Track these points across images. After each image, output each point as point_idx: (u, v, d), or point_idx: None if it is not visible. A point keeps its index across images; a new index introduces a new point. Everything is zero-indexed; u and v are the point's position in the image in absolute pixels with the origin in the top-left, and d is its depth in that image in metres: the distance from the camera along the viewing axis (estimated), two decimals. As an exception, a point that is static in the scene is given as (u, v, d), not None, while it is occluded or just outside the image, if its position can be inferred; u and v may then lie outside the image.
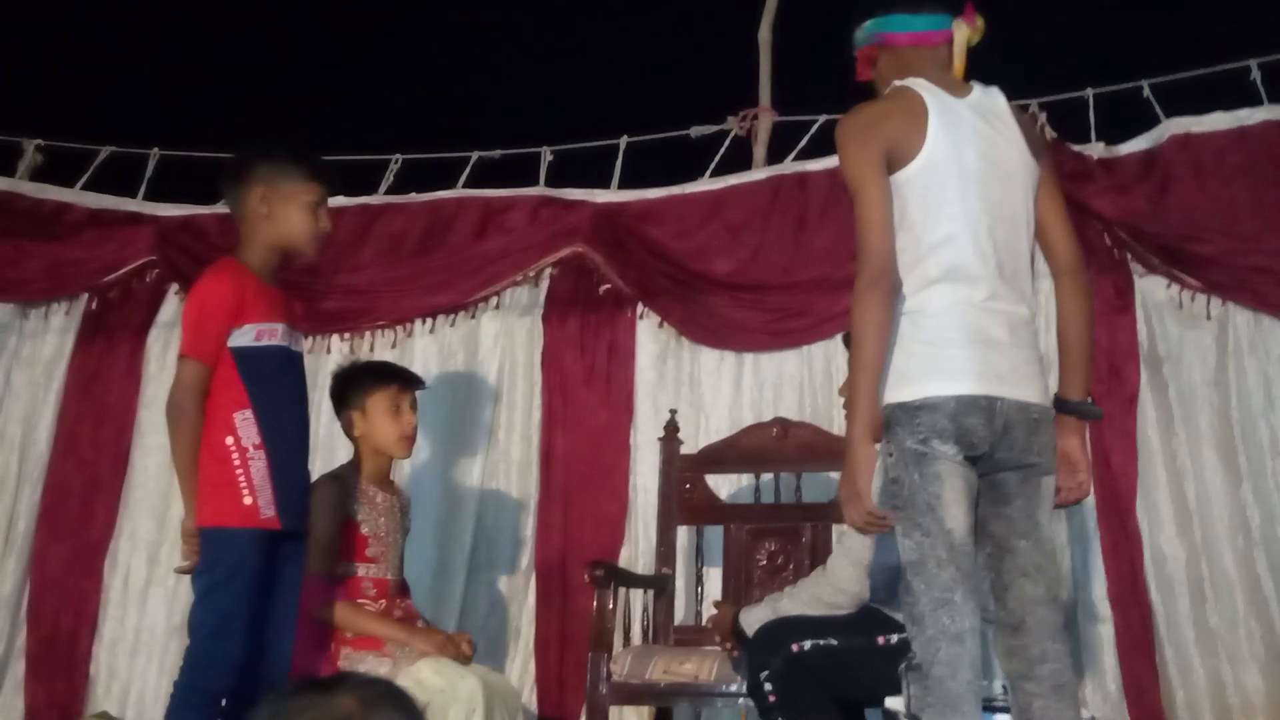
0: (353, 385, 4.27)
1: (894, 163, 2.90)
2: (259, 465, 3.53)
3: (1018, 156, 3.01)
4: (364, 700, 1.91)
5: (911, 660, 2.83)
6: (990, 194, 2.93)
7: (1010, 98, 5.13)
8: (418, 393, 4.34)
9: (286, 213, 3.68)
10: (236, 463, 3.51)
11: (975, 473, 2.87)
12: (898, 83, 2.99)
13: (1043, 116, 5.11)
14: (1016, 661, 2.92)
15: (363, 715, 1.90)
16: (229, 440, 3.52)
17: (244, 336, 3.57)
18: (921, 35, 3.05)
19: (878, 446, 2.88)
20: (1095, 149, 5.06)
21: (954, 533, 2.81)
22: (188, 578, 3.63)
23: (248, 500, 3.51)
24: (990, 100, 3.04)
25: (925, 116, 2.91)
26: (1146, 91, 5.10)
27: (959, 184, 2.90)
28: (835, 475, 4.62)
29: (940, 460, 2.80)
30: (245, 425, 3.54)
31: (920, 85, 2.96)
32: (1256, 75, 4.97)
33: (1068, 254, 3.09)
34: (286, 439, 3.63)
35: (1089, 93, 5.18)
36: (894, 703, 3.18)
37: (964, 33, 3.03)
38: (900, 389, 2.85)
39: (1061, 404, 3.05)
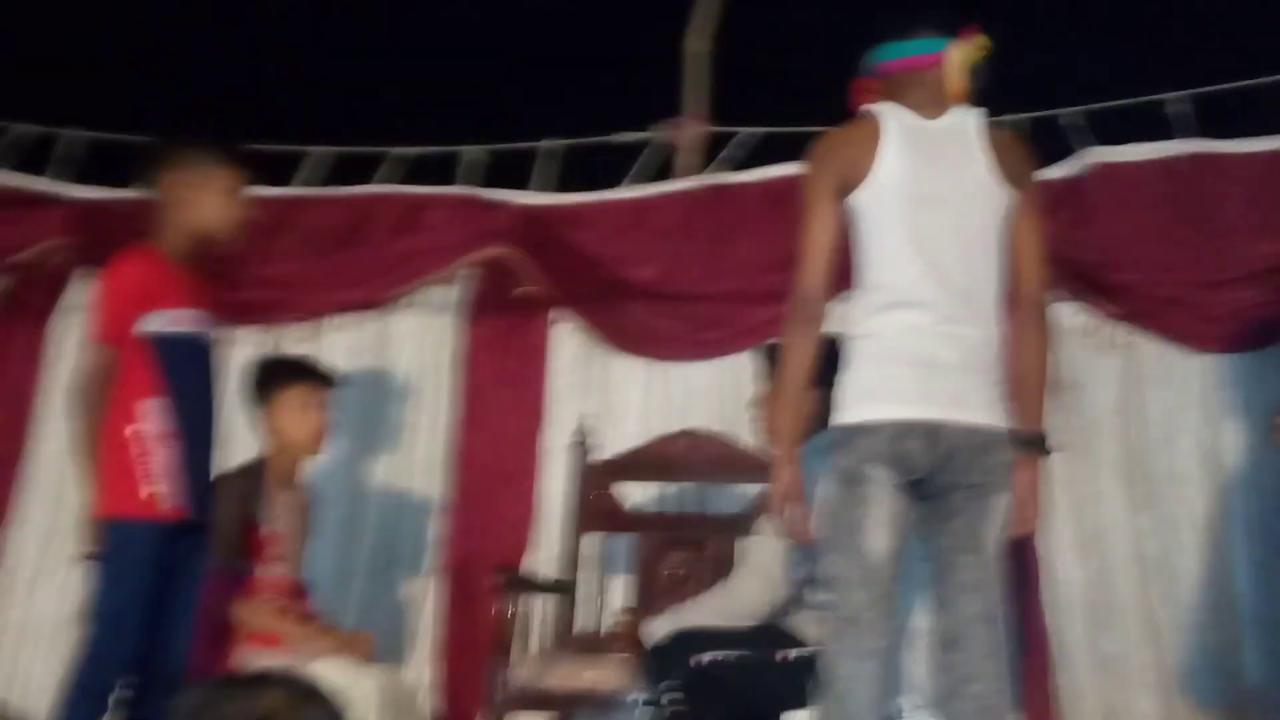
0: (264, 381, 4.23)
1: (847, 188, 2.95)
2: (163, 455, 3.48)
3: (981, 180, 3.00)
4: (290, 697, 1.93)
5: (819, 676, 2.88)
6: (946, 218, 2.95)
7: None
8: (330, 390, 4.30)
9: (201, 198, 3.65)
10: (136, 452, 3.46)
11: (909, 497, 2.91)
12: (865, 107, 3.03)
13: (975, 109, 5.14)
14: (947, 678, 2.94)
15: (289, 712, 1.91)
16: (129, 430, 3.47)
17: (154, 323, 3.52)
18: (911, 60, 3.07)
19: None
20: (1018, 172, 5.09)
21: (870, 555, 2.85)
22: (82, 567, 3.58)
23: (150, 490, 3.46)
24: (962, 123, 3.04)
25: (878, 141, 2.95)
26: (1071, 119, 5.14)
27: (911, 208, 2.93)
28: (743, 487, 4.65)
29: (871, 484, 2.86)
30: (150, 414, 3.49)
31: (885, 110, 3.00)
32: (1181, 108, 5.02)
33: (1032, 287, 3.09)
34: (193, 429, 3.58)
35: (1017, 117, 5.21)
36: (792, 717, 3.19)
37: (962, 53, 3.05)
38: (842, 411, 2.92)
39: (1019, 438, 3.03)
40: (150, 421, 3.49)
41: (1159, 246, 4.89)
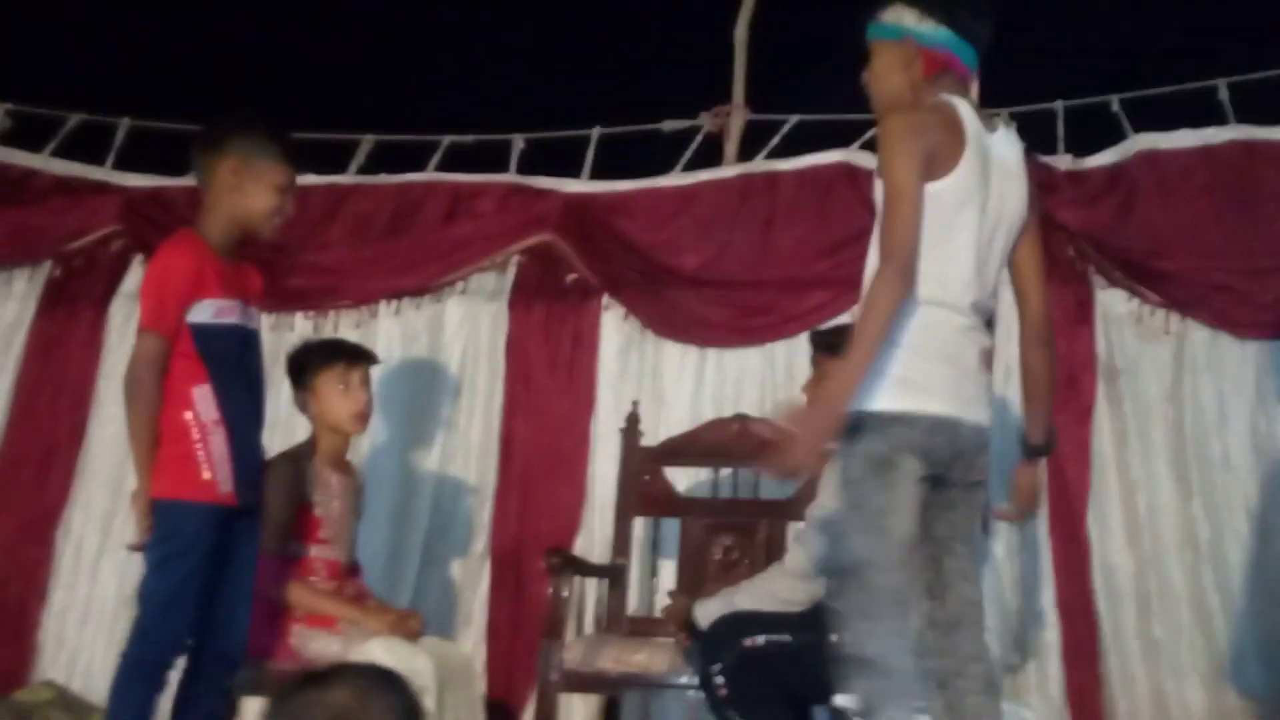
0: (303, 365, 4.26)
1: (929, 173, 2.88)
2: (217, 440, 3.53)
3: (1017, 204, 3.05)
4: (359, 691, 1.95)
5: (859, 659, 2.82)
6: (991, 231, 2.98)
7: (981, 106, 5.21)
8: (376, 371, 4.34)
9: (255, 190, 3.65)
10: (195, 437, 3.51)
11: (926, 489, 2.92)
12: (945, 96, 2.97)
13: (1012, 127, 5.14)
14: (950, 660, 2.98)
15: (360, 707, 1.94)
16: (188, 415, 3.51)
17: (201, 313, 3.55)
18: (963, 67, 3.05)
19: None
20: (1063, 161, 5.11)
21: (905, 540, 2.86)
22: (136, 553, 3.63)
23: (205, 475, 3.50)
24: (1012, 145, 3.09)
25: (964, 140, 2.92)
26: (1115, 106, 5.14)
27: (974, 214, 2.93)
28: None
29: (900, 471, 2.85)
30: (204, 400, 3.53)
31: (963, 108, 2.97)
32: (1224, 95, 5.02)
33: (1039, 309, 3.16)
34: (243, 416, 3.63)
35: (1059, 105, 5.22)
36: (844, 700, 3.21)
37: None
38: (880, 395, 2.86)
39: (1026, 448, 3.23)
40: (204, 407, 3.53)
41: (1205, 233, 4.88)
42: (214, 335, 3.57)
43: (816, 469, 2.95)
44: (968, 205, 2.92)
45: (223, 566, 3.58)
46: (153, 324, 3.53)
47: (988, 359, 3.04)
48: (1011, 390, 4.94)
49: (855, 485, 2.89)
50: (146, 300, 3.58)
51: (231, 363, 3.62)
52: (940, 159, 2.89)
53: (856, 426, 2.86)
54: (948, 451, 2.91)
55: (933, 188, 2.88)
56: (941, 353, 2.91)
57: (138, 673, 3.49)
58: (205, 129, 3.79)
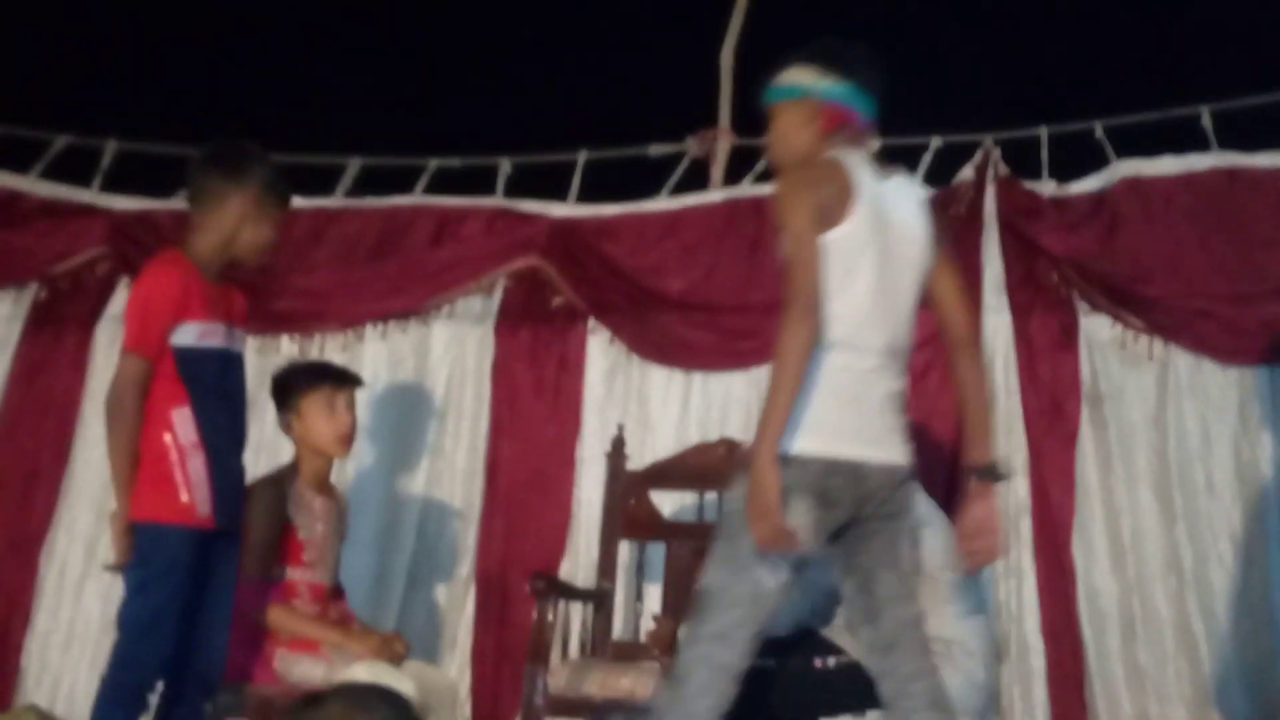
0: (288, 387, 4.26)
1: (823, 224, 2.99)
2: (196, 463, 3.53)
3: (919, 247, 3.16)
4: (354, 705, 2.00)
5: (674, 669, 3.00)
6: (892, 276, 3.08)
7: (964, 132, 5.23)
8: (362, 394, 4.34)
9: (264, 223, 3.70)
10: (174, 459, 3.51)
11: (821, 535, 2.99)
12: (832, 154, 3.09)
13: (996, 152, 5.18)
14: (891, 681, 3.07)
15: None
16: (167, 437, 3.51)
17: (185, 335, 3.56)
18: (862, 120, 3.17)
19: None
20: (1046, 187, 5.13)
21: (762, 583, 2.95)
22: (116, 574, 3.62)
23: (184, 497, 3.50)
24: (908, 191, 3.22)
25: (852, 193, 3.02)
26: (1099, 132, 5.16)
27: (869, 262, 3.03)
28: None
29: (789, 515, 2.90)
30: (183, 423, 3.53)
31: (851, 162, 3.08)
32: (1207, 121, 5.04)
33: (964, 329, 3.24)
34: (223, 438, 3.63)
35: (1043, 130, 5.24)
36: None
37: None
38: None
39: (973, 470, 3.18)
40: (183, 430, 3.52)
41: (1188, 260, 4.90)
42: (196, 358, 3.57)
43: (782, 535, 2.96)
44: (864, 252, 3.03)
45: (201, 589, 3.57)
46: (136, 346, 3.54)
47: (897, 400, 3.11)
48: (996, 415, 4.98)
49: (733, 516, 2.98)
50: (130, 321, 3.59)
51: (212, 385, 3.61)
52: (834, 211, 3.00)
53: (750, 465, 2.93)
54: (849, 492, 2.99)
55: (829, 238, 2.99)
56: (843, 396, 3.00)
57: (118, 696, 3.48)
58: (220, 153, 3.77)
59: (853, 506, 3.02)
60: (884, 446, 3.06)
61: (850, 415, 3.00)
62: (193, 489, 3.51)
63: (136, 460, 3.50)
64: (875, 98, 3.19)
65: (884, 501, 3.08)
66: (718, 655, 2.96)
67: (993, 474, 3.18)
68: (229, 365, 3.70)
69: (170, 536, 3.48)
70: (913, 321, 3.18)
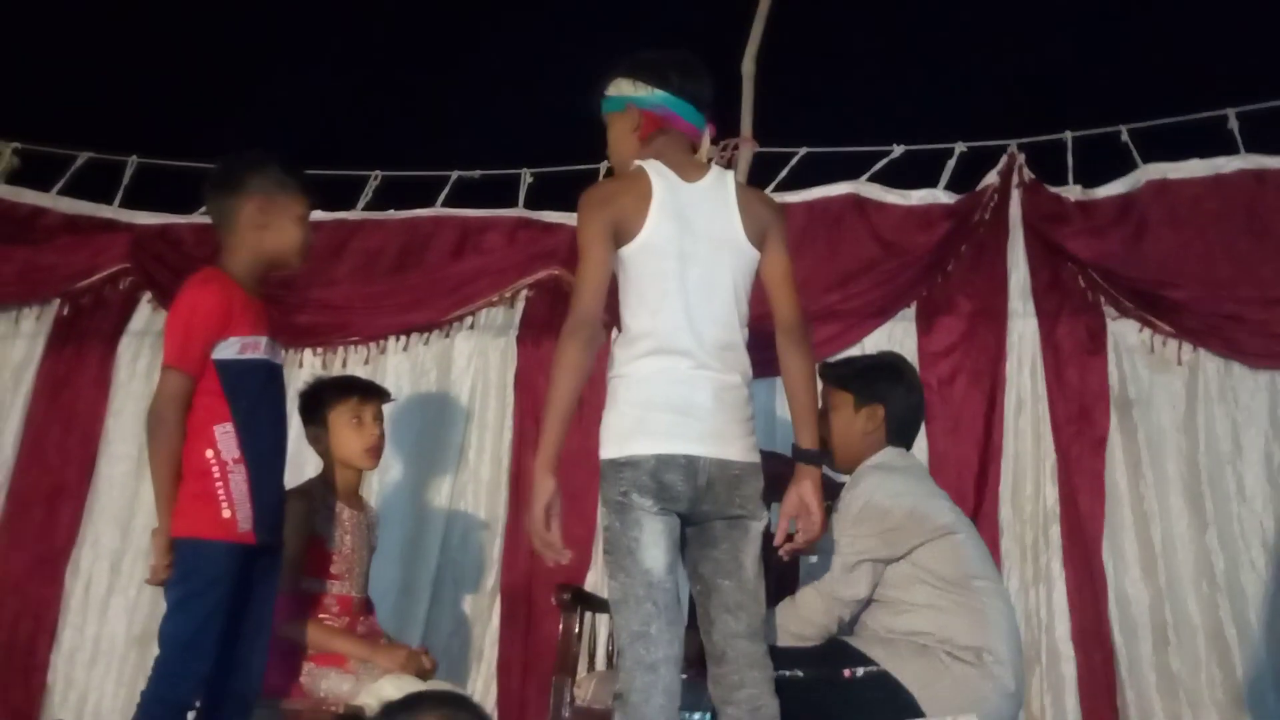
0: (316, 400, 4.28)
1: (621, 237, 3.21)
2: (238, 479, 3.52)
3: (733, 240, 3.29)
4: (446, 714, 2.08)
5: (617, 690, 3.10)
6: (704, 274, 3.22)
7: (990, 139, 5.20)
8: (387, 407, 4.34)
9: (282, 225, 3.70)
10: (216, 475, 3.50)
11: (677, 521, 3.17)
12: (638, 163, 3.29)
13: (1021, 157, 5.16)
14: (719, 688, 3.22)
15: None
16: (209, 453, 3.51)
17: (228, 349, 3.56)
18: (681, 123, 3.35)
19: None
20: (1072, 191, 5.10)
21: (651, 572, 3.10)
22: (154, 588, 3.62)
23: (225, 514, 3.50)
24: (719, 186, 3.33)
25: (650, 200, 3.21)
26: (1125, 136, 5.13)
27: (675, 264, 3.20)
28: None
29: (638, 510, 3.10)
30: (225, 438, 3.53)
31: (655, 169, 3.26)
32: (1234, 124, 5.01)
33: (788, 314, 3.37)
34: (265, 453, 3.63)
35: (1068, 135, 5.21)
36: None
37: (709, 145, 3.40)
38: (609, 446, 3.17)
39: (795, 452, 3.34)
40: (226, 446, 3.53)
41: (1216, 263, 4.87)
42: (240, 371, 3.58)
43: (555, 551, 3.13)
44: (664, 257, 3.20)
45: (243, 605, 3.56)
46: (177, 361, 3.54)
47: (731, 394, 3.22)
48: (1023, 420, 4.95)
49: (606, 531, 3.16)
50: (172, 337, 3.59)
51: (255, 398, 3.62)
52: (629, 222, 3.20)
53: (601, 478, 3.16)
54: (686, 487, 3.13)
55: (626, 250, 3.21)
56: (664, 398, 3.15)
57: (157, 713, 3.46)
58: (218, 172, 3.80)
59: (690, 501, 3.14)
60: (718, 442, 3.17)
61: (678, 416, 3.14)
62: (235, 505, 3.51)
63: (178, 475, 3.51)
64: (694, 101, 3.36)
65: (725, 500, 3.18)
66: (645, 654, 3.08)
67: (813, 458, 3.32)
68: (271, 377, 3.71)
69: (212, 552, 3.48)
70: (738, 313, 3.28)
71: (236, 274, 3.67)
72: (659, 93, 3.33)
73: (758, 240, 3.32)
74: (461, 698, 2.11)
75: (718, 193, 3.32)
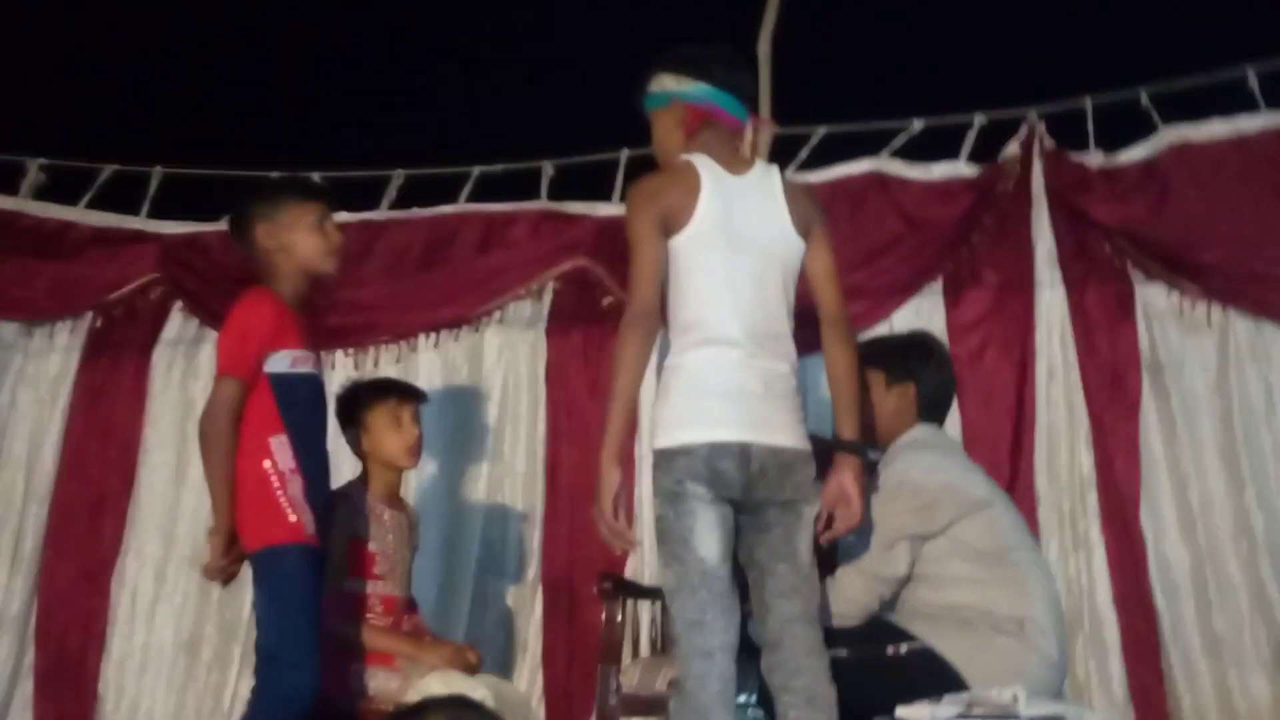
0: (354, 402, 4.30)
1: (670, 229, 3.24)
2: (295, 487, 3.57)
3: (779, 232, 3.33)
4: (450, 714, 2.13)
5: (673, 678, 3.16)
6: (752, 265, 3.26)
7: (1007, 107, 5.18)
8: (423, 408, 4.37)
9: (295, 238, 3.74)
10: (276, 484, 3.55)
11: (730, 509, 3.20)
12: (684, 157, 3.32)
13: (1041, 126, 5.15)
14: (776, 675, 3.25)
15: None
16: (266, 464, 3.56)
17: (280, 363, 3.62)
18: (726, 116, 3.38)
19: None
20: (1094, 158, 5.08)
21: (706, 560, 3.13)
22: (199, 594, 3.65)
23: (292, 518, 3.55)
24: (766, 179, 3.38)
25: (699, 192, 3.24)
26: (1144, 99, 5.11)
27: (724, 256, 3.24)
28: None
29: (692, 499, 3.13)
30: (281, 450, 3.58)
31: (702, 162, 3.29)
32: (1254, 82, 4.98)
33: (833, 308, 3.41)
34: (316, 463, 3.69)
35: (1087, 101, 5.19)
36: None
37: (756, 134, 3.52)
38: (661, 436, 3.20)
39: (836, 443, 3.36)
40: (281, 456, 3.57)
41: (1242, 223, 4.84)
42: (292, 383, 3.63)
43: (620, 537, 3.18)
44: (712, 249, 3.24)
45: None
46: (230, 369, 3.60)
47: (780, 382, 3.26)
48: (1055, 389, 4.95)
49: (659, 521, 3.19)
50: (225, 346, 3.65)
51: (306, 411, 3.68)
52: (678, 214, 3.23)
53: (654, 467, 3.19)
54: (739, 474, 3.16)
55: (675, 242, 3.24)
56: (716, 386, 3.19)
57: (274, 712, 3.48)
58: (233, 214, 3.88)
59: (744, 488, 3.17)
60: (769, 429, 3.21)
61: (729, 403, 3.18)
62: (298, 510, 3.55)
63: (233, 478, 3.56)
64: (737, 93, 3.39)
65: (777, 486, 3.22)
66: (701, 642, 3.10)
67: (855, 449, 3.34)
68: (318, 391, 3.78)
69: (286, 556, 3.53)
70: (786, 303, 3.32)
71: (283, 293, 3.73)
72: (703, 86, 3.36)
73: (803, 232, 3.35)
74: (468, 700, 2.16)
75: (764, 185, 3.36)
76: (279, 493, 3.54)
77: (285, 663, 3.48)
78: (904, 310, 5.11)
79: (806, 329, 3.42)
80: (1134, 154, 5.07)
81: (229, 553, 3.58)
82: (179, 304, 5.71)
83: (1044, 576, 3.70)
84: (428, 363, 5.51)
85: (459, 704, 2.15)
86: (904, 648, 3.55)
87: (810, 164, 5.41)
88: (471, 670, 4.07)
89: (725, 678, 3.12)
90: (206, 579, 3.75)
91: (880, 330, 4.96)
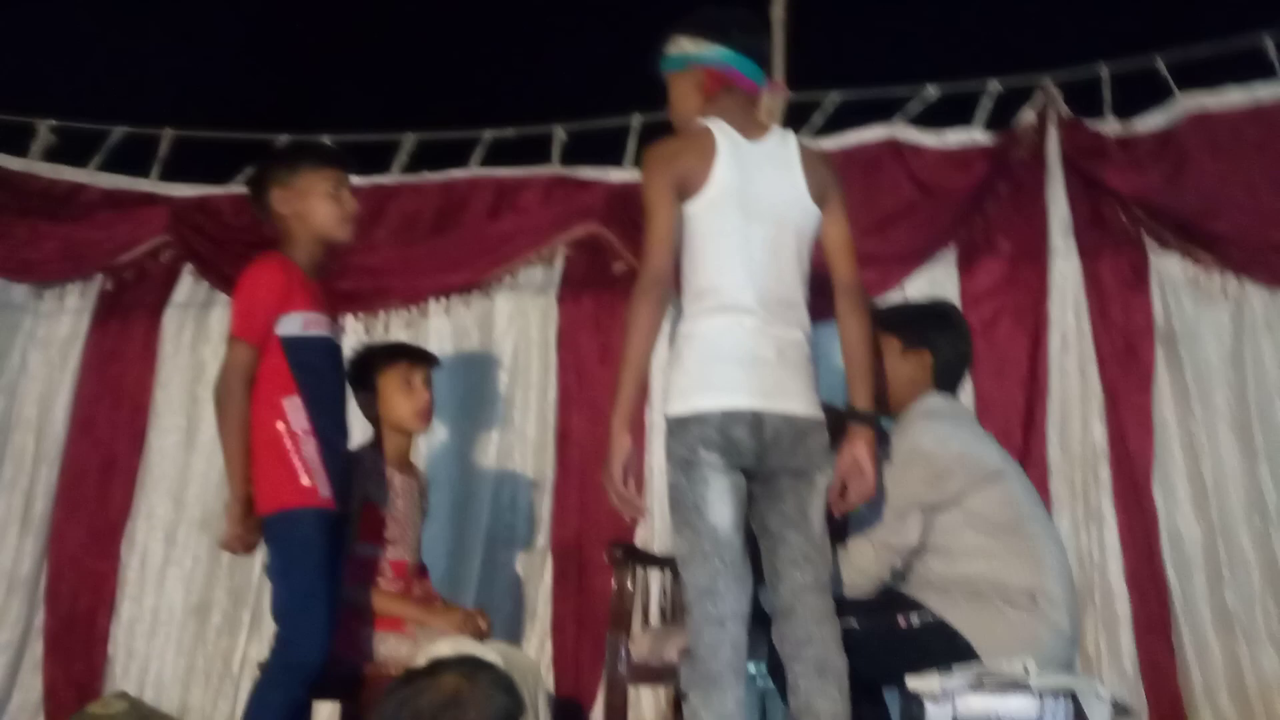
0: (365, 366, 4.30)
1: (685, 194, 3.20)
2: (310, 449, 3.58)
3: (795, 198, 3.30)
4: (466, 675, 2.27)
5: (685, 645, 3.14)
6: (767, 232, 3.24)
7: (1022, 73, 5.14)
8: (434, 373, 4.36)
9: (310, 204, 3.76)
10: (289, 446, 3.57)
11: (743, 477, 3.19)
12: (701, 121, 3.28)
13: (1056, 94, 5.11)
14: (787, 644, 3.25)
15: (469, 688, 2.25)
16: (280, 425, 3.58)
17: (291, 325, 3.63)
18: (743, 80, 3.33)
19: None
20: (1110, 126, 5.06)
21: (718, 528, 3.12)
22: (209, 558, 3.65)
23: (305, 481, 3.56)
24: (782, 145, 3.35)
25: (715, 156, 3.21)
26: (1161, 67, 5.07)
27: (739, 222, 3.21)
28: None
29: (705, 466, 3.12)
30: (294, 410, 3.60)
31: (719, 127, 3.26)
32: (1271, 50, 4.93)
33: (847, 277, 3.38)
34: (332, 425, 3.70)
35: (1103, 69, 5.16)
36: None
37: (771, 101, 3.42)
38: (674, 403, 3.19)
39: (850, 412, 3.34)
40: (295, 418, 3.58)
41: (1259, 193, 4.82)
42: (303, 346, 3.64)
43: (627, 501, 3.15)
44: (727, 215, 3.21)
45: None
46: (242, 332, 3.61)
47: (794, 350, 3.24)
48: (1068, 359, 4.93)
49: (672, 488, 3.18)
50: (237, 310, 3.66)
51: (320, 373, 3.69)
52: (693, 180, 3.20)
53: (667, 434, 3.18)
54: (752, 441, 3.15)
55: (690, 207, 3.21)
56: (730, 354, 3.17)
57: (279, 679, 3.49)
58: (249, 179, 3.91)
59: (756, 456, 3.16)
60: (782, 397, 3.19)
61: (742, 371, 3.16)
62: (312, 473, 3.57)
63: (248, 444, 3.57)
64: (755, 57, 3.35)
65: (790, 454, 3.20)
66: (713, 610, 3.10)
67: (866, 419, 3.31)
68: (333, 354, 3.79)
69: (300, 519, 3.54)
70: (800, 270, 3.29)
71: (297, 259, 3.74)
72: (721, 49, 3.31)
73: (819, 200, 3.32)
74: (479, 660, 2.21)
75: (781, 151, 3.33)
76: (292, 454, 3.55)
77: (293, 630, 3.49)
78: (918, 279, 5.09)
79: (819, 297, 3.39)
80: (1150, 122, 5.04)
81: (246, 521, 3.58)
82: (189, 267, 5.70)
83: (1056, 548, 3.68)
84: (438, 328, 5.50)
85: (472, 664, 2.20)
86: (915, 618, 3.53)
87: (824, 130, 5.38)
88: (481, 636, 4.07)
89: (737, 646, 3.11)
90: (225, 550, 3.76)
91: (893, 298, 4.93)
